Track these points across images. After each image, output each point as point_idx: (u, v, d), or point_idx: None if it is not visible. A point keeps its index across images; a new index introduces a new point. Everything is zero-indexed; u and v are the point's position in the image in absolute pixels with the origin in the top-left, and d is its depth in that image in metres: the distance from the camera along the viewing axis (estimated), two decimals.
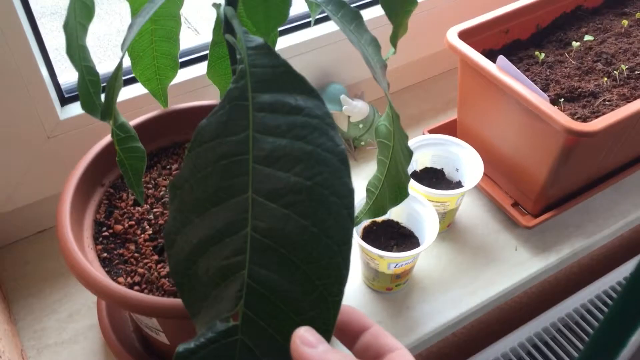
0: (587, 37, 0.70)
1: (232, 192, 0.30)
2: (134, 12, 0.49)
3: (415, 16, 0.78)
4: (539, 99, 0.58)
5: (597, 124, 0.56)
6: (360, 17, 0.43)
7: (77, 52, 0.41)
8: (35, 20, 0.60)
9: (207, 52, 0.54)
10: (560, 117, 0.56)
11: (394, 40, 0.44)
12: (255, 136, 0.30)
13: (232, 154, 0.30)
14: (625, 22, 0.72)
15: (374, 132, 0.50)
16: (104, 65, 0.67)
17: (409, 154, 0.45)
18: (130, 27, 0.41)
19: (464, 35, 0.66)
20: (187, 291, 0.31)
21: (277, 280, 0.29)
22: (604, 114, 0.61)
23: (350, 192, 0.29)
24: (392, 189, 0.48)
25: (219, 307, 0.30)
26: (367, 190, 0.49)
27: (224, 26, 0.43)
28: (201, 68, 0.67)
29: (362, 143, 0.77)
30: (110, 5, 2.88)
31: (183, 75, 0.66)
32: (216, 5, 0.48)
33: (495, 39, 0.70)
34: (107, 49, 2.86)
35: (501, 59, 0.61)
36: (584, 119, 0.61)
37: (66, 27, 0.39)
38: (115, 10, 2.84)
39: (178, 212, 0.31)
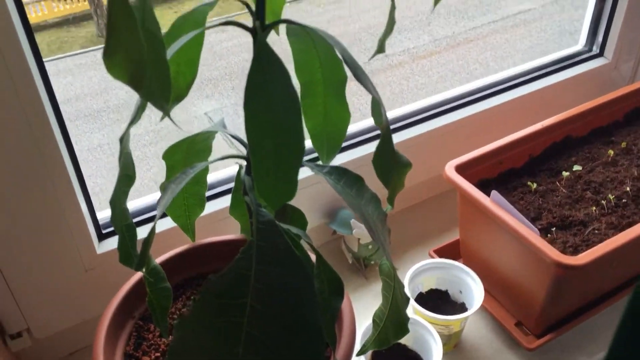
0: (576, 167, 0.76)
1: (226, 344, 0.38)
2: (169, 169, 0.57)
3: (418, 145, 0.86)
4: (530, 233, 0.63)
5: (584, 258, 0.60)
6: (360, 180, 0.50)
7: (120, 216, 0.48)
8: (77, 159, 0.68)
9: (232, 184, 0.62)
10: (550, 251, 0.61)
11: (391, 199, 0.50)
12: (253, 305, 0.39)
13: (231, 315, 0.38)
14: (611, 152, 0.78)
15: (378, 268, 0.55)
16: (137, 202, 0.75)
17: (407, 299, 0.50)
18: (166, 190, 0.49)
19: (461, 168, 0.73)
20: None
21: None
22: (593, 242, 0.66)
23: None
24: (394, 324, 0.53)
25: None
26: (373, 320, 0.54)
27: (243, 189, 0.50)
28: (225, 200, 0.75)
29: (372, 262, 0.82)
30: None
31: (209, 207, 0.73)
32: (239, 166, 0.55)
33: (491, 170, 0.76)
34: (136, 148, 3.03)
35: (494, 193, 0.67)
36: (575, 248, 0.66)
37: (112, 202, 0.46)
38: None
39: (182, 341, 0.38)
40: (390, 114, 0.86)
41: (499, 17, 4.61)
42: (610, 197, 0.71)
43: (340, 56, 0.44)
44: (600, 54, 0.98)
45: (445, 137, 0.86)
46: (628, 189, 0.72)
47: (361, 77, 0.44)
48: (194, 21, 0.47)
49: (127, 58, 0.34)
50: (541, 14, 4.51)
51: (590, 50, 1.00)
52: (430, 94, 0.88)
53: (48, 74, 0.62)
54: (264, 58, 0.40)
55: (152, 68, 0.37)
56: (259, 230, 0.43)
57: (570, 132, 0.82)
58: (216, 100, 3.49)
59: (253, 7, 0.44)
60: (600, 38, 0.99)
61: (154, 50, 0.37)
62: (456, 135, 0.87)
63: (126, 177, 0.47)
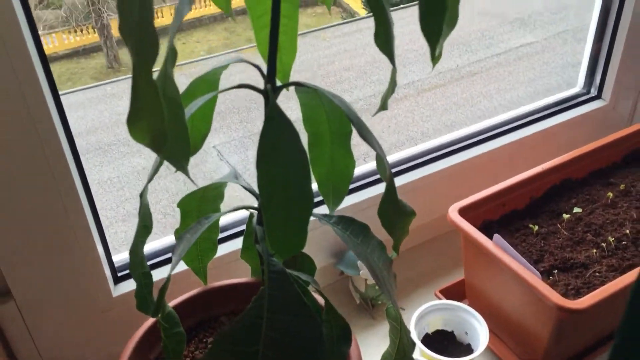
0: (576, 209, 0.78)
1: None
2: (184, 215, 0.60)
3: (423, 186, 0.88)
4: (531, 276, 0.65)
5: (585, 302, 0.62)
6: (366, 228, 0.52)
7: (137, 264, 0.50)
8: (94, 201, 0.70)
9: (242, 227, 0.64)
10: (552, 294, 0.63)
11: (396, 247, 0.53)
12: (265, 352, 0.41)
13: None
14: (610, 194, 0.80)
15: (385, 312, 0.57)
16: (150, 245, 0.77)
17: (413, 344, 0.52)
18: (181, 239, 0.51)
19: (465, 211, 0.75)
20: None
21: None
22: (595, 285, 0.68)
23: None
24: None
25: None
26: None
27: (254, 237, 0.52)
28: (236, 243, 0.77)
29: (379, 302, 0.84)
30: None
31: (221, 249, 0.76)
32: (250, 215, 0.58)
33: (493, 211, 0.79)
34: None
35: (497, 237, 0.69)
36: (577, 290, 0.68)
37: (132, 252, 0.49)
38: None
39: None
40: (396, 157, 0.89)
41: (502, 50, 4.67)
42: (611, 239, 0.73)
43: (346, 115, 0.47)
44: (598, 96, 1.01)
45: (448, 179, 0.89)
46: (627, 231, 0.74)
47: (366, 135, 0.47)
48: (209, 82, 0.50)
49: (149, 125, 0.37)
50: (543, 47, 4.56)
51: (588, 92, 1.03)
52: (436, 126, 0.90)
53: (63, 106, 0.63)
54: (275, 120, 0.43)
55: (172, 131, 0.39)
56: (271, 280, 0.45)
57: (570, 175, 0.84)
58: (224, 134, 3.54)
59: (264, 69, 0.47)
60: (597, 80, 1.02)
61: (174, 115, 0.40)
62: (459, 176, 0.90)
63: (144, 227, 0.50)
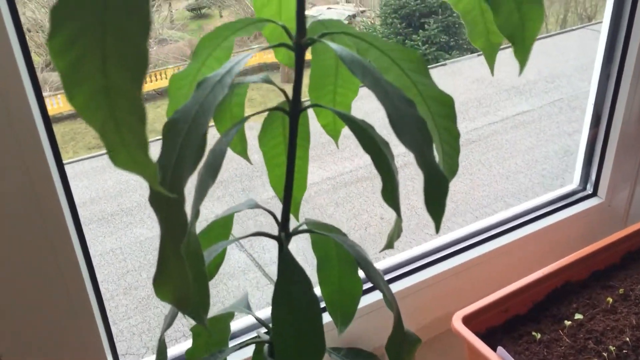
0: (578, 315, 0.80)
1: None
2: (196, 336, 0.62)
3: (425, 289, 0.90)
4: None
5: None
6: (375, 359, 0.54)
7: None
8: (102, 300, 0.72)
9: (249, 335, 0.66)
10: None
11: None
12: None
13: None
14: (609, 300, 0.82)
15: None
16: None
17: None
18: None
19: (468, 319, 0.77)
20: None
21: None
22: None
23: None
24: None
25: None
26: None
27: (264, 353, 0.54)
28: (246, 352, 0.78)
29: None
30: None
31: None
32: (261, 344, 0.60)
33: (497, 318, 0.80)
34: (148, 252, 3.09)
35: (500, 350, 0.71)
36: None
37: None
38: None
39: None
40: (397, 259, 0.91)
41: (499, 118, 4.77)
42: (612, 348, 0.74)
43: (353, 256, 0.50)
44: (594, 193, 1.05)
45: (449, 280, 0.91)
46: (627, 338, 0.76)
47: (372, 273, 0.49)
48: (225, 220, 0.54)
49: (175, 289, 0.40)
50: (539, 115, 4.67)
51: (584, 189, 1.06)
52: None
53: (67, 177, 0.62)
54: (288, 267, 0.46)
55: (194, 282, 0.42)
56: None
57: (570, 278, 0.86)
58: (226, 203, 3.57)
59: (279, 216, 0.50)
60: (593, 176, 1.06)
61: (196, 270, 0.43)
62: (459, 277, 0.92)
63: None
